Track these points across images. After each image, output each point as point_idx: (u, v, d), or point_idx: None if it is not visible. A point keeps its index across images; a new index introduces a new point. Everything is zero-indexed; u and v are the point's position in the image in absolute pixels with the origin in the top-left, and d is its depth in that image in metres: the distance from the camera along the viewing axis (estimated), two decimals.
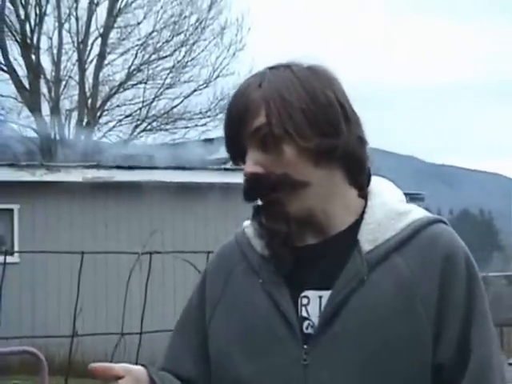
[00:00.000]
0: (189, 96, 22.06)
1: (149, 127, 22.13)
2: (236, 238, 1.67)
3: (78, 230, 11.86)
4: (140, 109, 22.02)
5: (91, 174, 12.06)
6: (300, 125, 1.52)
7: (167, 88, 22.03)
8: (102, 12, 21.89)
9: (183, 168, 12.82)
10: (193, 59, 22.11)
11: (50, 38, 21.56)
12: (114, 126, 22.07)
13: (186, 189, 12.39)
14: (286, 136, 1.53)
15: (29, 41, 21.16)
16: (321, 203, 1.55)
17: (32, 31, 21.27)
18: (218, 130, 22.95)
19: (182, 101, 22.05)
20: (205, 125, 22.28)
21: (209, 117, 22.26)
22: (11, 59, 21.21)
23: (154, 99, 22.04)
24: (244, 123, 1.55)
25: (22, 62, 21.27)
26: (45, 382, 4.97)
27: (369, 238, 1.54)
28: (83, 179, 11.96)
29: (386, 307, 1.49)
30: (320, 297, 1.53)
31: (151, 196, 12.11)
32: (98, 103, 21.86)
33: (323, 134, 1.53)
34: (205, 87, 22.10)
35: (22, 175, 11.76)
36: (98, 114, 21.84)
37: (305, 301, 1.54)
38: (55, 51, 21.49)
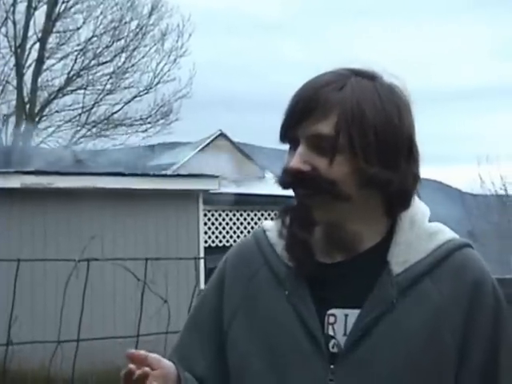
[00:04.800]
0: (129, 102, 21.92)
1: (89, 133, 21.92)
2: (256, 239, 1.60)
3: (15, 237, 11.68)
4: (80, 114, 21.80)
5: (29, 180, 11.88)
6: (369, 148, 1.46)
7: (107, 94, 21.85)
8: (40, 16, 21.64)
9: (123, 174, 12.71)
10: (133, 65, 21.99)
11: None
12: (53, 132, 21.82)
13: (126, 195, 12.29)
14: (348, 151, 1.47)
15: None
16: (351, 220, 1.51)
17: None
18: (158, 136, 22.88)
19: (123, 107, 21.91)
20: (145, 131, 22.18)
21: (149, 123, 22.16)
22: None
23: (93, 105, 21.84)
24: (307, 119, 1.48)
25: None
26: None
27: (399, 260, 1.50)
28: (21, 185, 11.78)
29: (415, 334, 1.47)
30: (346, 315, 1.50)
31: (91, 203, 11.98)
32: (37, 109, 21.57)
33: (385, 164, 1.47)
34: (145, 93, 21.99)
35: None
36: (37, 119, 21.55)
37: (331, 319, 1.51)
38: None
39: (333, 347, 1.50)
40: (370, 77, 1.51)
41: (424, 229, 1.53)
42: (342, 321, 1.50)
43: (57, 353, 5.74)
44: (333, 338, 1.50)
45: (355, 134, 1.46)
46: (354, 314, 1.49)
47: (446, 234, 1.55)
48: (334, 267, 1.53)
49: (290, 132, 1.51)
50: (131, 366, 1.44)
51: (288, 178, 1.50)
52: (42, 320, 11.00)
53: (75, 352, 5.71)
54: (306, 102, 1.48)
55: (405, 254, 1.51)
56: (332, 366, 1.48)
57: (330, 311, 1.51)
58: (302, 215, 1.50)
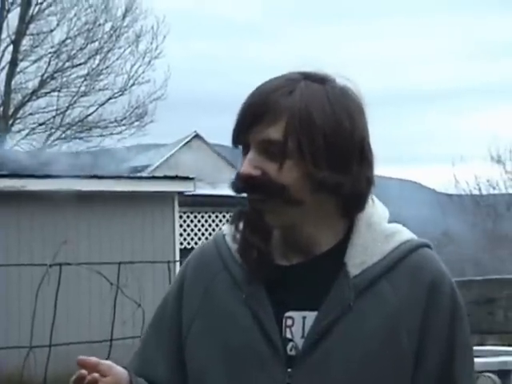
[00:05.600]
0: (104, 104, 21.86)
1: (63, 135, 21.82)
2: (216, 243, 1.60)
3: None
4: (54, 117, 21.70)
5: (3, 183, 11.81)
6: (318, 153, 1.46)
7: (81, 96, 21.78)
8: (13, 18, 21.52)
9: (98, 177, 12.67)
10: (107, 67, 21.94)
11: None
12: (27, 135, 21.69)
13: (101, 198, 12.25)
14: (297, 155, 1.47)
15: None
16: (306, 224, 1.51)
17: None
18: (133, 138, 22.81)
19: (97, 109, 21.85)
20: (120, 133, 22.12)
21: (124, 125, 22.11)
22: None
23: (68, 107, 21.75)
24: (257, 124, 1.49)
25: None
26: None
27: (356, 262, 1.50)
28: None
29: (372, 337, 1.48)
30: (304, 317, 1.50)
31: (66, 206, 11.93)
32: (11, 111, 21.44)
33: (335, 167, 1.47)
34: (120, 95, 21.94)
35: None
36: (11, 122, 21.42)
37: (289, 322, 1.51)
38: None
39: (290, 350, 1.49)
40: (320, 80, 1.51)
41: (381, 230, 1.53)
42: (299, 323, 1.50)
43: (30, 358, 5.72)
44: (291, 340, 1.50)
45: (304, 138, 1.47)
46: (311, 316, 1.49)
47: (402, 235, 1.55)
48: (291, 269, 1.53)
49: (241, 137, 1.52)
50: (82, 371, 1.45)
51: (240, 183, 1.51)
52: (16, 325, 10.93)
53: (47, 357, 5.68)
54: (256, 107, 1.49)
55: (362, 256, 1.51)
56: (289, 370, 1.48)
57: (288, 314, 1.51)
58: (255, 220, 1.51)
